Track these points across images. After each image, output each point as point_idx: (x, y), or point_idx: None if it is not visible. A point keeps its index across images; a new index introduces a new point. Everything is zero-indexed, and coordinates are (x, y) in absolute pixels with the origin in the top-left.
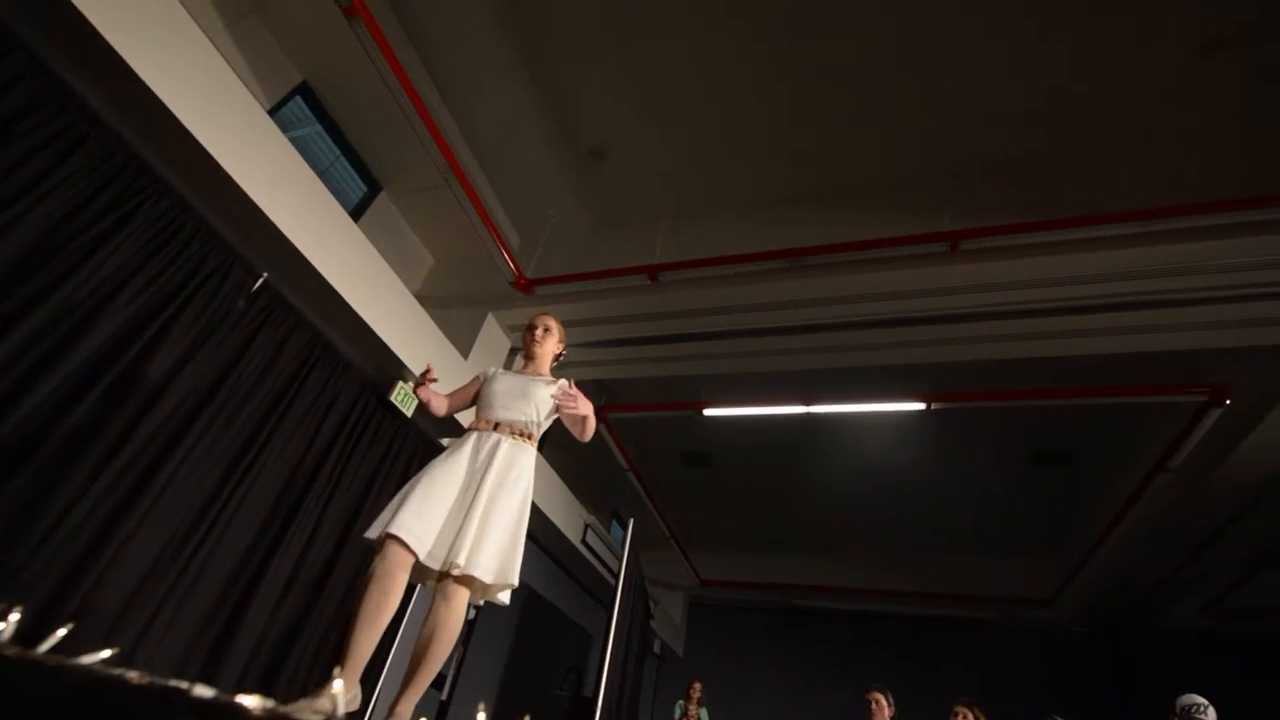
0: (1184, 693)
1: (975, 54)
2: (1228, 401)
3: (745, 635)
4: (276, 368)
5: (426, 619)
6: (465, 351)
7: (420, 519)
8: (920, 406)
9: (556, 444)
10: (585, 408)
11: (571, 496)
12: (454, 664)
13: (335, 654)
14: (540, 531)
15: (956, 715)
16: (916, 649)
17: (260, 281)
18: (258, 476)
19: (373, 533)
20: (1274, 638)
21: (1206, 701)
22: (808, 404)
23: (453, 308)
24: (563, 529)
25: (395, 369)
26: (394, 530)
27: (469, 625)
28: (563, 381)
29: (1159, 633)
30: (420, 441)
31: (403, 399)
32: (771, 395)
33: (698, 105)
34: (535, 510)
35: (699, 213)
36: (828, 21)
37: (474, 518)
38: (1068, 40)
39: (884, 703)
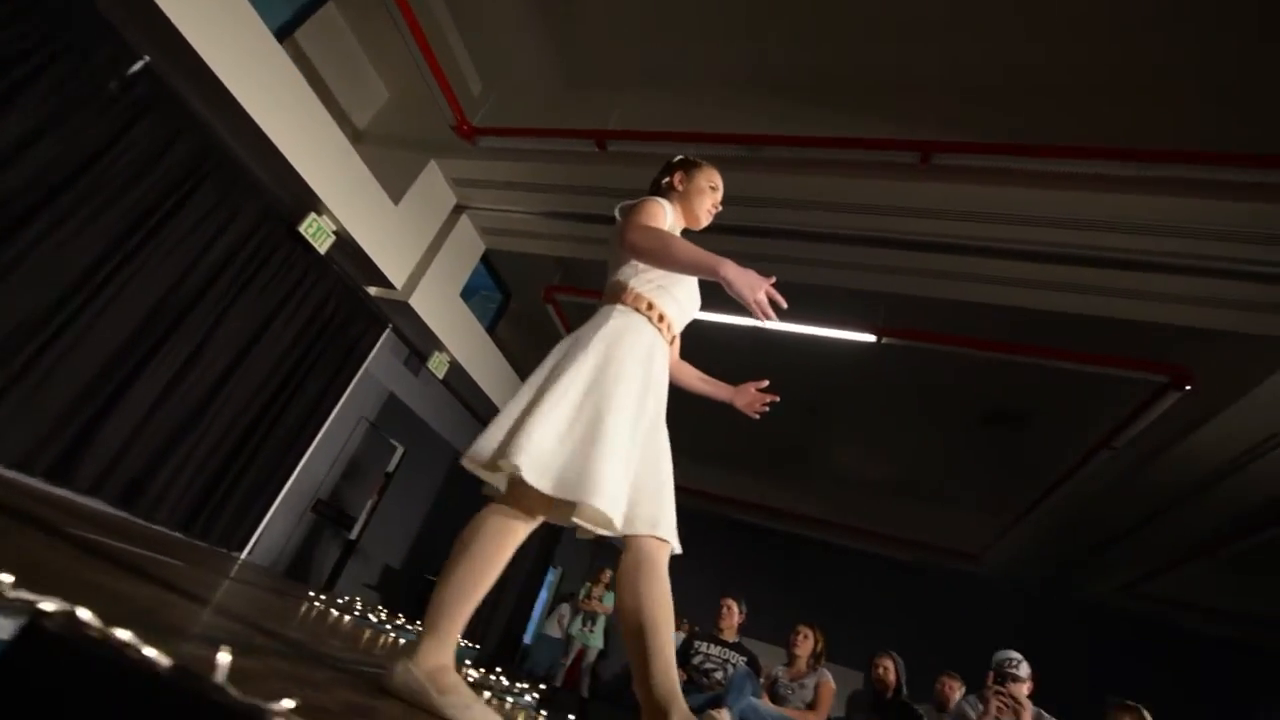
0: (1002, 652)
1: None
2: (1188, 387)
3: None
4: (157, 169)
5: None
6: (396, 197)
7: None
8: (870, 339)
9: (507, 321)
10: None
11: (514, 375)
12: (366, 511)
13: (215, 481)
14: (477, 403)
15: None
16: (835, 578)
17: (139, 65)
18: (125, 284)
19: None
20: (1179, 627)
21: (1020, 656)
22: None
23: (395, 148)
24: (499, 404)
25: (307, 198)
26: None
27: (386, 475)
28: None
29: (1074, 603)
30: (336, 284)
31: (314, 232)
32: (722, 303)
33: None
34: (466, 377)
35: (663, 83)
36: None
37: None
38: None
39: (734, 608)
